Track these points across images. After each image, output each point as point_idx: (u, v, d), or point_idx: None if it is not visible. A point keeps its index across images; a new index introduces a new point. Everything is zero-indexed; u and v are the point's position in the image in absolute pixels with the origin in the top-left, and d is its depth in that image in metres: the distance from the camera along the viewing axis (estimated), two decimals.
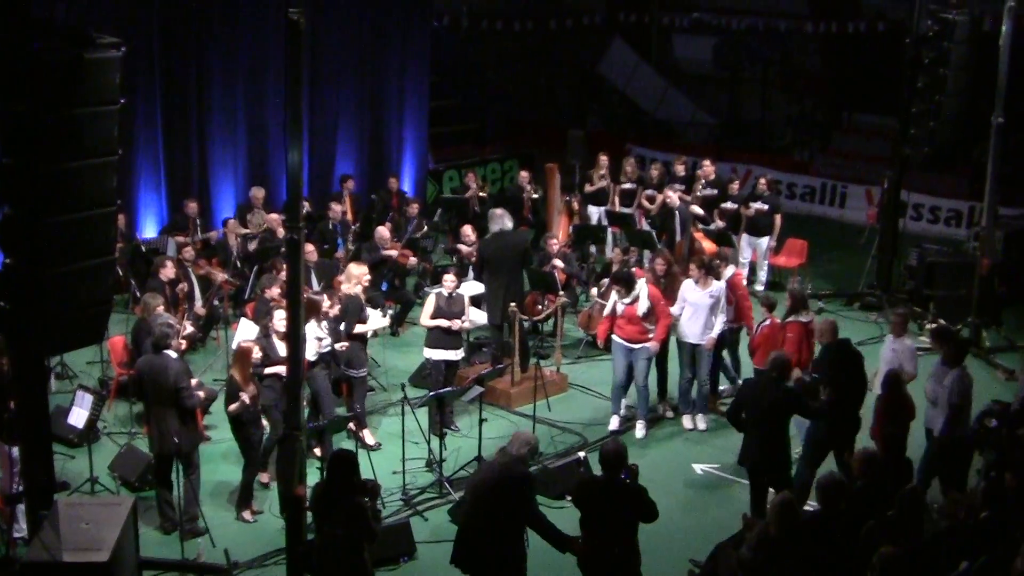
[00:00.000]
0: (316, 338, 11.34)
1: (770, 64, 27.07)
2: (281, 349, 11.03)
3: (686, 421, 13.26)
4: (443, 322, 12.46)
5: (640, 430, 12.98)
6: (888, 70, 19.74)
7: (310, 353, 10.91)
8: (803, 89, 26.69)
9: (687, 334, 12.95)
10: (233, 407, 10.55)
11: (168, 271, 13.88)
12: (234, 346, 11.49)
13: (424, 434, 12.08)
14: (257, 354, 10.83)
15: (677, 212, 16.65)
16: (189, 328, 13.22)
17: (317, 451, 11.44)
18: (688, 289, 12.98)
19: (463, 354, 13.09)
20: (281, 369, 10.80)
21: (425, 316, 12.64)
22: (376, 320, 13.18)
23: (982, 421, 11.04)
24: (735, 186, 17.98)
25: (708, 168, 18.47)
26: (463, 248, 16.05)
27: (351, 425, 12.22)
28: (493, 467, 8.83)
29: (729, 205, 17.85)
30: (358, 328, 12.23)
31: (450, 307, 12.52)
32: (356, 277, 12.50)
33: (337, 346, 12.11)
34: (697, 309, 12.84)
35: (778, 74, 27.22)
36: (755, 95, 27.41)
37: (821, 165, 24.61)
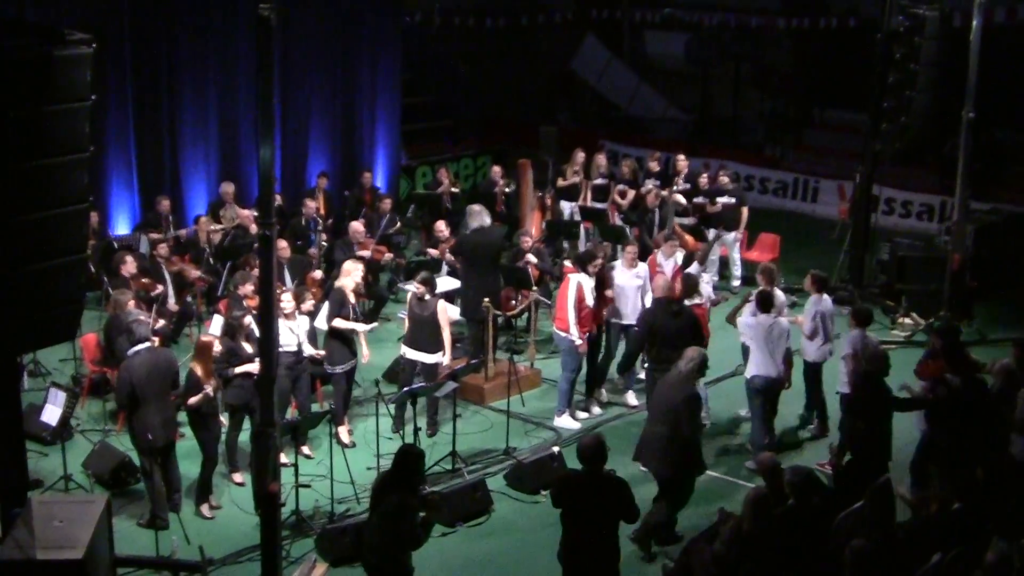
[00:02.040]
0: None
1: (742, 60, 27.15)
2: (248, 348, 11.07)
3: (630, 398, 13.53)
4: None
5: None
6: (859, 66, 19.82)
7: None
8: (775, 85, 26.76)
9: (617, 315, 13.21)
10: (195, 399, 10.55)
11: (129, 266, 13.80)
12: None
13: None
14: (217, 348, 10.83)
15: (656, 209, 16.68)
16: (161, 323, 13.19)
17: (284, 457, 11.16)
18: (617, 271, 13.28)
19: (440, 358, 12.55)
20: (251, 367, 10.79)
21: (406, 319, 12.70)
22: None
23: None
24: (703, 180, 18.02)
25: (682, 163, 18.52)
26: (441, 247, 15.87)
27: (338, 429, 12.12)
28: (670, 381, 10.18)
29: (699, 200, 17.90)
30: (337, 323, 12.13)
31: (423, 310, 12.48)
32: (347, 272, 12.47)
33: (313, 352, 12.04)
34: (625, 291, 13.12)
35: (750, 70, 27.30)
36: (727, 91, 27.48)
37: (793, 160, 24.69)
